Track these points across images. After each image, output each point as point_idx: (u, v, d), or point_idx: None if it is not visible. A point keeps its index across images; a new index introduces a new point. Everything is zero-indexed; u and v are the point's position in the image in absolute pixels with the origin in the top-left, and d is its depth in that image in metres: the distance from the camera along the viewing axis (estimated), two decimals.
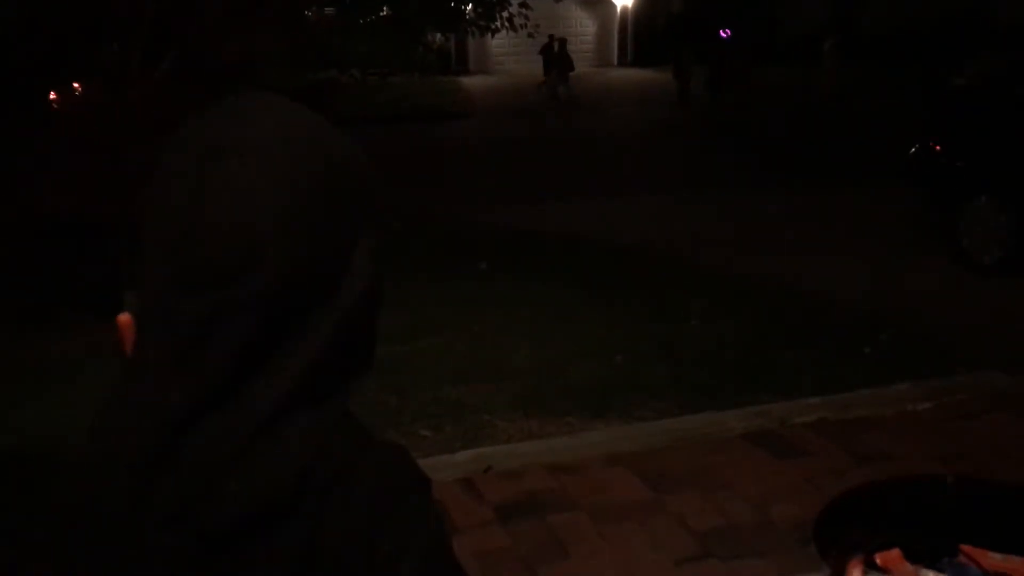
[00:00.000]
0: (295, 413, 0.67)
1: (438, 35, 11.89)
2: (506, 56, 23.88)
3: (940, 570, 1.41)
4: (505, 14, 10.44)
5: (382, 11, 8.96)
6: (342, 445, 0.69)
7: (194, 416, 0.66)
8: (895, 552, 1.42)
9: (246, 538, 0.66)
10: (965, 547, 1.42)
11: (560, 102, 18.12)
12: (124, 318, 0.85)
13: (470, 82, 21.45)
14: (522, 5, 10.78)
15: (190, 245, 0.67)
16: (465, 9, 9.96)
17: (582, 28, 25.68)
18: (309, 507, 0.66)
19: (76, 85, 6.18)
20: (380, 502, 0.69)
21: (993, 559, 1.40)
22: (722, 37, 18.09)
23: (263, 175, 0.69)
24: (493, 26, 10.43)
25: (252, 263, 0.67)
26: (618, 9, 25.67)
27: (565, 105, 17.81)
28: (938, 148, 6.45)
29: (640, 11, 25.22)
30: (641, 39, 24.70)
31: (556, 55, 18.93)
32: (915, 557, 1.41)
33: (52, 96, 5.96)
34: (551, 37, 18.79)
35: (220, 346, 0.66)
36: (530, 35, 11.21)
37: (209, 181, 0.68)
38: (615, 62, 25.69)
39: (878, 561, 1.40)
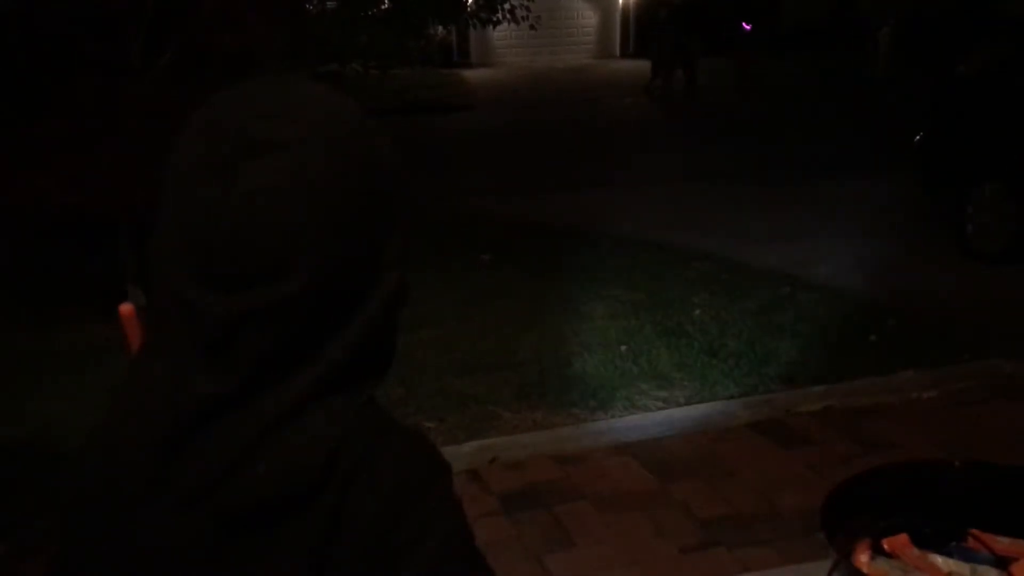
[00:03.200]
0: (322, 401, 0.67)
1: (439, 27, 11.86)
2: (508, 48, 23.79)
3: (948, 555, 1.40)
4: (507, 6, 10.41)
5: (383, 4, 8.95)
6: (365, 432, 0.69)
7: (221, 405, 0.66)
8: (902, 537, 1.41)
9: (268, 521, 0.66)
10: (973, 531, 1.41)
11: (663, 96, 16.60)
12: (126, 308, 0.85)
13: (472, 75, 21.39)
14: None
15: (221, 245, 0.65)
16: (466, 1, 9.94)
17: (584, 20, 25.59)
18: (332, 492, 0.66)
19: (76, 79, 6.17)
20: (401, 488, 0.69)
21: (1001, 543, 1.40)
22: (744, 29, 17.98)
23: (302, 176, 0.65)
24: (494, 18, 10.41)
25: (287, 267, 0.65)
26: (620, 1, 25.58)
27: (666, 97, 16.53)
28: (943, 136, 6.42)
29: (642, 2, 25.13)
30: (643, 31, 24.62)
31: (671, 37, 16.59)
32: (922, 542, 1.40)
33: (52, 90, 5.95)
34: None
35: (251, 343, 0.66)
36: (532, 27, 11.17)
37: (244, 178, 0.65)
38: (617, 53, 25.60)
39: (885, 546, 1.39)
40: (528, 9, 10.68)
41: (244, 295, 0.65)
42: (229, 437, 0.66)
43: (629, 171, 9.87)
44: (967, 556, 1.40)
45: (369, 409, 0.72)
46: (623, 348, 4.44)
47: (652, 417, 3.56)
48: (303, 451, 0.66)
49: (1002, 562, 1.35)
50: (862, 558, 1.37)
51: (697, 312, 4.94)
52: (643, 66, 19.17)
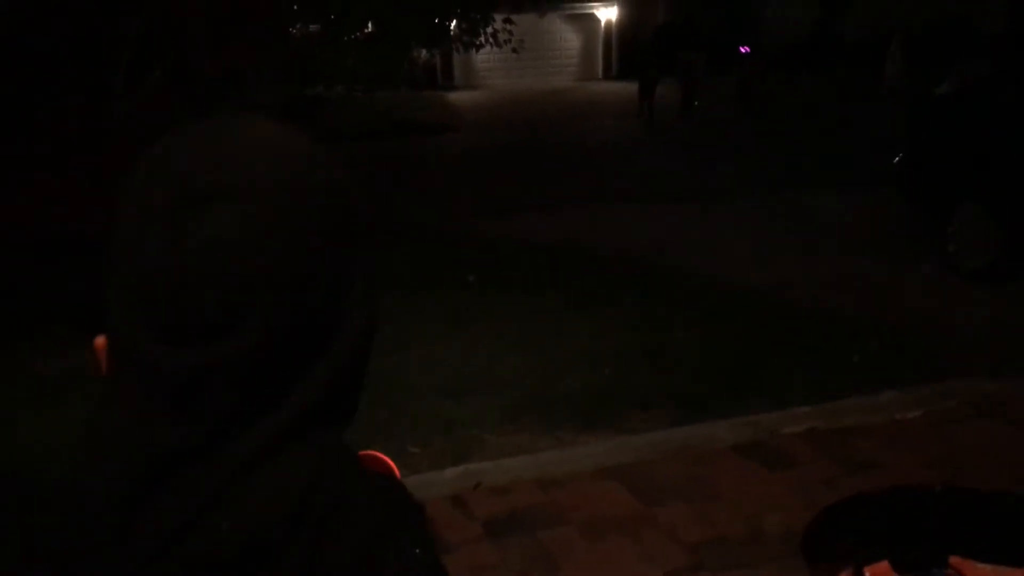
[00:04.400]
0: (288, 449, 0.66)
1: (424, 51, 11.91)
2: (492, 71, 23.94)
3: None
4: (489, 30, 10.48)
5: (368, 27, 8.98)
6: (335, 479, 0.67)
7: (183, 456, 0.64)
8: (884, 564, 1.41)
9: (241, 571, 0.64)
10: (954, 558, 1.41)
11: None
12: (100, 341, 0.83)
13: (456, 97, 21.49)
14: (506, 21, 10.82)
15: (170, 300, 0.63)
16: (450, 25, 9.99)
17: (566, 43, 25.80)
18: (303, 543, 0.64)
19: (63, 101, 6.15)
20: (376, 535, 0.67)
21: (982, 570, 1.40)
22: (742, 53, 18.14)
23: (251, 228, 0.63)
24: (477, 42, 10.47)
25: (241, 320, 0.63)
26: (602, 23, 25.80)
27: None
28: (923, 156, 6.49)
29: (624, 25, 25.36)
30: (625, 53, 24.82)
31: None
32: (904, 568, 1.40)
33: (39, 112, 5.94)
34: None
35: (212, 395, 0.64)
36: (514, 50, 11.24)
37: (191, 233, 0.62)
38: (600, 75, 25.80)
39: (867, 574, 1.39)
40: (511, 33, 10.76)
41: (198, 349, 0.64)
42: (192, 489, 0.64)
43: (613, 191, 9.91)
44: None
45: (338, 454, 0.70)
46: (608, 369, 4.43)
47: (636, 440, 3.55)
48: (268, 504, 0.64)
49: None
50: None
51: (681, 333, 4.95)
52: (626, 88, 19.32)
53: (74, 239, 5.09)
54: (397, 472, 1.01)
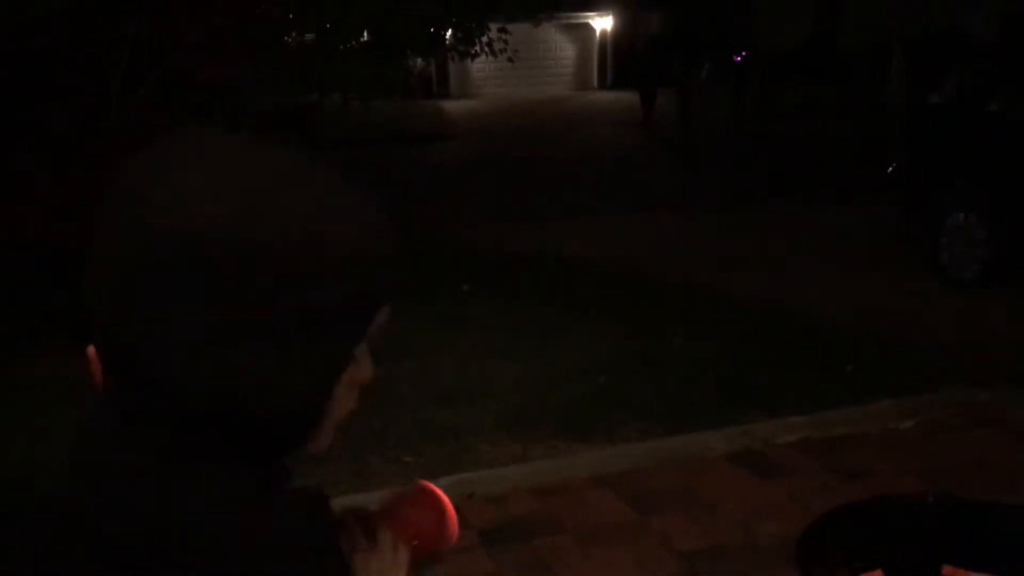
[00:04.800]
0: (191, 475, 0.71)
1: (419, 60, 11.93)
2: (487, 80, 24.00)
3: None
4: (484, 39, 10.50)
5: (363, 36, 9.00)
6: (230, 509, 0.70)
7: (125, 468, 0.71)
8: (877, 573, 1.42)
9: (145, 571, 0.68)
10: (947, 568, 1.42)
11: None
12: (92, 349, 0.84)
13: (451, 106, 21.54)
14: (501, 30, 10.84)
15: (119, 356, 0.69)
16: (445, 34, 10.01)
17: (561, 52, 25.88)
18: (168, 560, 0.68)
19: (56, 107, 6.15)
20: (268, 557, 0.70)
21: None
22: (737, 61, 18.19)
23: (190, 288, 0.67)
24: (472, 51, 10.49)
25: (167, 379, 0.68)
26: (597, 33, 25.89)
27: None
28: (916, 164, 6.52)
29: (619, 34, 25.45)
30: (620, 62, 24.91)
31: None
32: None
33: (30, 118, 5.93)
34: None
35: (149, 429, 0.71)
36: (509, 59, 11.27)
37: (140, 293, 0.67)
38: (595, 84, 25.88)
39: None
40: (506, 42, 10.78)
41: (137, 400, 0.70)
42: (120, 494, 0.70)
43: (608, 200, 9.94)
44: None
45: (243, 486, 0.72)
46: (602, 378, 4.44)
47: (631, 448, 3.55)
48: (149, 517, 0.69)
49: None
50: None
51: (676, 341, 4.96)
52: (621, 97, 19.38)
53: (69, 246, 5.09)
54: (449, 507, 1.02)
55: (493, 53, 10.58)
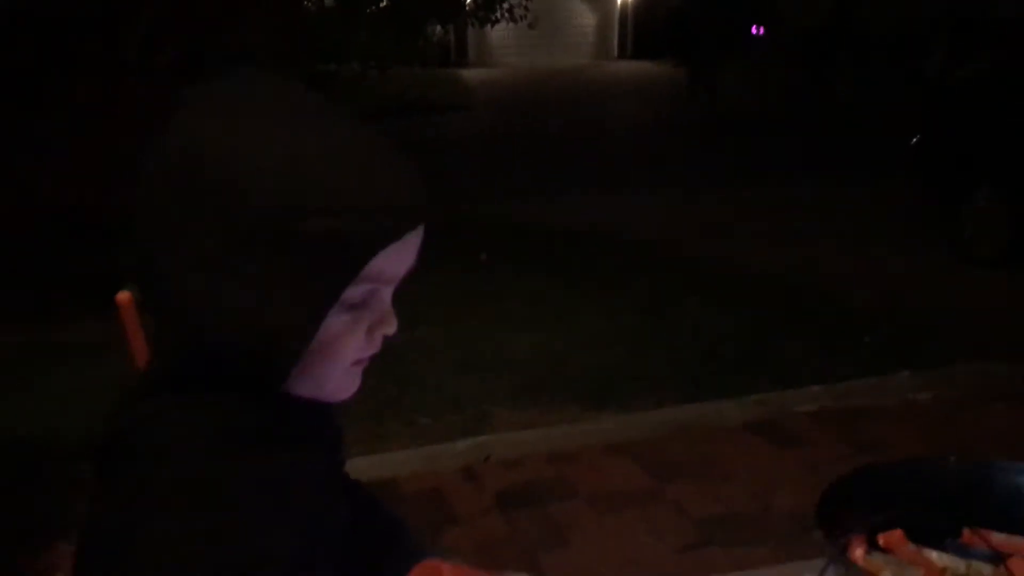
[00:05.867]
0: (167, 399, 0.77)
1: (438, 27, 11.85)
2: (506, 49, 23.81)
3: (943, 550, 1.40)
4: (505, 5, 10.43)
5: (382, 3, 8.95)
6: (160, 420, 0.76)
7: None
8: (897, 533, 1.41)
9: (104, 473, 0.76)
10: (968, 528, 1.41)
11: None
12: (124, 296, 0.85)
13: (470, 75, 21.40)
14: None
15: (140, 283, 0.79)
16: (465, 0, 9.94)
17: (582, 20, 25.62)
18: (133, 465, 0.73)
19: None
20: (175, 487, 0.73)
21: (996, 539, 1.39)
22: (755, 35, 17.88)
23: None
24: (493, 17, 10.42)
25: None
26: (618, 2, 25.61)
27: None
28: (940, 139, 6.43)
29: (640, 4, 25.16)
30: (641, 32, 24.65)
31: None
32: (918, 538, 1.40)
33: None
34: None
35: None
36: (530, 26, 11.19)
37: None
38: (615, 54, 25.63)
39: (880, 542, 1.39)
40: (527, 8, 10.70)
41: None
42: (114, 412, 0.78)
43: (627, 173, 9.89)
44: (962, 552, 1.40)
45: (210, 413, 0.76)
46: (619, 349, 4.43)
47: (647, 417, 3.56)
48: (125, 425, 0.76)
49: (997, 558, 1.35)
50: (857, 553, 1.37)
51: (692, 315, 4.94)
52: (641, 68, 19.19)
53: (89, 214, 5.12)
54: None
55: (514, 19, 10.51)
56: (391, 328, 0.86)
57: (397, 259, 0.83)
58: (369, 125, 0.81)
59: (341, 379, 0.84)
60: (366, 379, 0.84)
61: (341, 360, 0.82)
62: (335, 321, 0.79)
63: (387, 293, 0.85)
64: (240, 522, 0.71)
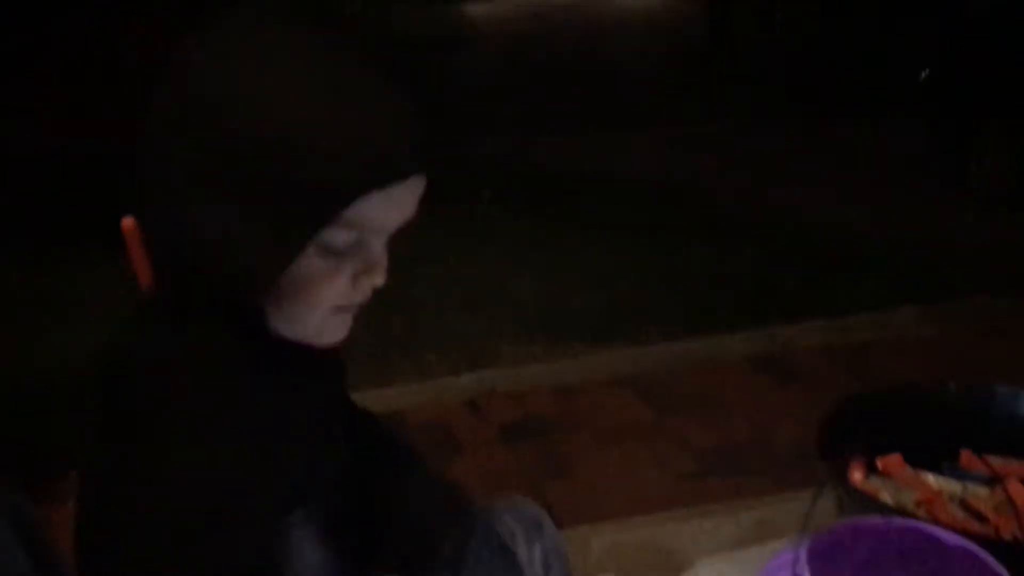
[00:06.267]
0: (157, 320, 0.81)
1: None
2: None
3: (940, 473, 1.43)
4: None
5: None
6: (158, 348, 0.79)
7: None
8: (896, 457, 1.43)
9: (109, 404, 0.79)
10: (965, 451, 1.44)
11: None
12: (127, 222, 0.87)
13: (472, 9, 21.03)
14: None
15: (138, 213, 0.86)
16: None
17: None
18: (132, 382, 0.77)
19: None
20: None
21: (993, 462, 1.42)
22: None
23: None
24: None
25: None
26: None
27: None
28: (950, 73, 6.33)
29: None
30: None
31: None
32: (916, 462, 1.43)
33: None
34: None
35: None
36: None
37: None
38: None
39: (879, 465, 1.42)
40: None
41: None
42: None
43: (633, 110, 9.76)
44: (959, 475, 1.42)
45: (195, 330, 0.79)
46: (624, 287, 4.44)
47: (651, 351, 3.58)
48: (123, 347, 0.81)
49: (994, 480, 1.38)
50: (856, 476, 1.40)
51: (696, 252, 4.93)
52: (653, 1, 18.74)
53: (89, 154, 5.09)
54: None
55: None
56: (378, 278, 0.85)
57: (384, 209, 0.82)
58: (382, 64, 0.80)
59: (321, 323, 0.83)
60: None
61: (318, 304, 0.82)
62: (314, 264, 0.79)
63: (377, 242, 0.84)
64: (241, 454, 0.73)
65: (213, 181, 0.74)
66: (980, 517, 1.33)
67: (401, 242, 0.86)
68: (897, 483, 1.41)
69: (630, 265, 4.76)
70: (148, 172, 0.78)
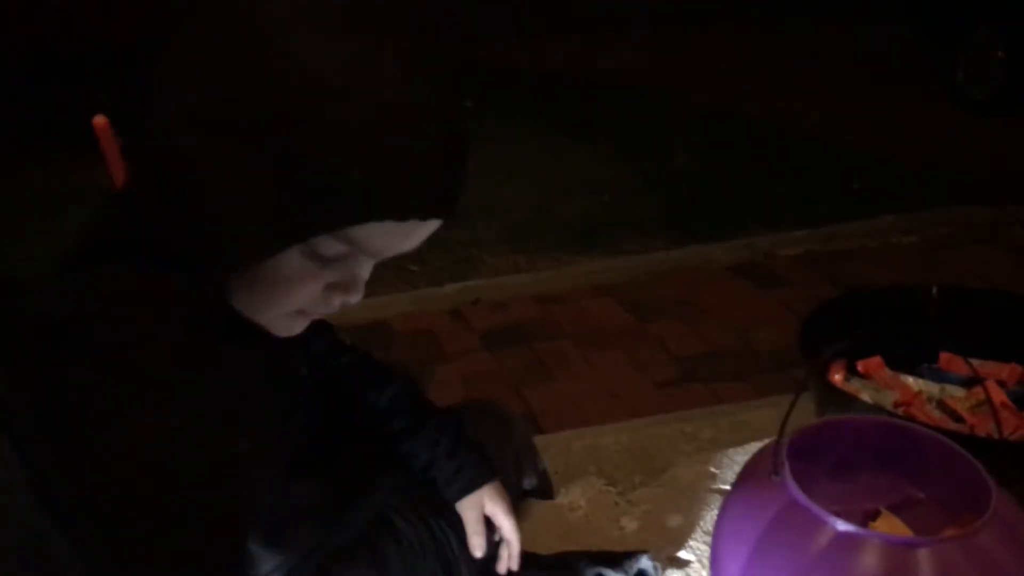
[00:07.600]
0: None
1: None
2: None
3: (919, 375, 1.44)
4: None
5: None
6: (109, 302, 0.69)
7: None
8: (876, 359, 1.45)
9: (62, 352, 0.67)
10: (944, 354, 1.45)
11: None
12: (99, 120, 0.84)
13: None
14: None
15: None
16: None
17: None
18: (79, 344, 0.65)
19: None
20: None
21: (973, 364, 1.43)
22: None
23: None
24: None
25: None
26: None
27: None
28: None
29: None
30: None
31: None
32: (896, 364, 1.44)
33: None
34: None
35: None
36: None
37: None
38: None
39: (859, 368, 1.43)
40: None
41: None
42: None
43: (618, 13, 9.55)
44: (938, 376, 1.44)
45: (142, 283, 0.69)
46: (606, 196, 4.41)
47: (633, 260, 3.58)
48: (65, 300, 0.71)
49: (972, 382, 1.40)
50: (836, 377, 1.41)
51: (679, 160, 4.90)
52: None
53: (57, 48, 4.93)
54: None
55: None
56: (353, 298, 0.78)
57: (392, 238, 0.74)
58: (452, 93, 0.71)
59: (278, 319, 0.77)
60: None
61: (283, 303, 0.75)
62: (295, 262, 0.71)
63: (365, 264, 0.78)
64: (205, 418, 0.65)
65: (233, 130, 0.62)
66: (957, 417, 1.35)
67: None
68: (877, 384, 1.43)
69: (611, 173, 4.73)
70: (166, 82, 0.66)
